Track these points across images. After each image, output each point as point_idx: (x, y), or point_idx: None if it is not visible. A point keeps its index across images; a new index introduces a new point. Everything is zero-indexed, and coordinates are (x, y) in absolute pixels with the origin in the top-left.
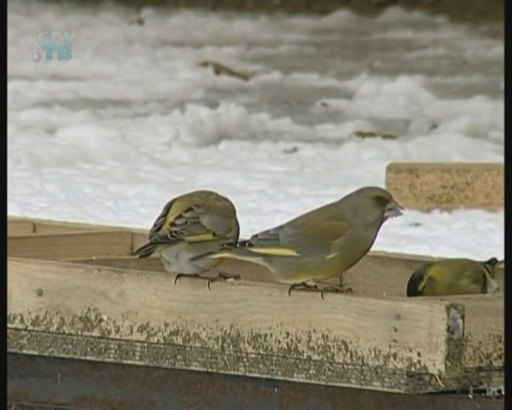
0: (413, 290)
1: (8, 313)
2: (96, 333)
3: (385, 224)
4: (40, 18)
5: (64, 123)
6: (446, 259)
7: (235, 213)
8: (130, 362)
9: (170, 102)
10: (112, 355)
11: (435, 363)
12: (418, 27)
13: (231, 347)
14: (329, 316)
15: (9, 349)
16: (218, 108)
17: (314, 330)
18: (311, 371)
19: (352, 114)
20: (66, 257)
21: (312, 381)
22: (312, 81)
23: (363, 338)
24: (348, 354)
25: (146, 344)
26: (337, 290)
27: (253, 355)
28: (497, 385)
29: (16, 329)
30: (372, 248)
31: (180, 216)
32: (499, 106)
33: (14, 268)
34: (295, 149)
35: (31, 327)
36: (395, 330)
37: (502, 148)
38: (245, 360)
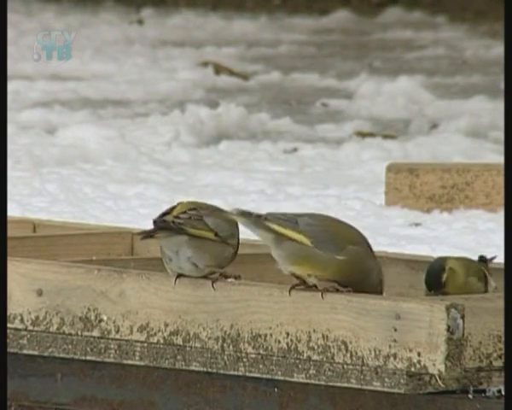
0: (437, 282)
1: (8, 313)
2: (95, 333)
3: (385, 224)
4: (40, 18)
5: (64, 123)
6: (454, 256)
7: (236, 226)
8: (130, 362)
9: (170, 102)
10: (112, 355)
11: (435, 363)
12: (418, 27)
13: (231, 347)
14: (329, 316)
15: (9, 349)
16: (218, 108)
17: (314, 331)
18: (311, 372)
19: (352, 114)
20: (66, 257)
21: (312, 381)
22: (312, 81)
23: (363, 338)
24: (348, 354)
25: (146, 344)
26: (337, 290)
27: (253, 355)
28: (497, 385)
29: (16, 329)
30: (372, 248)
31: (184, 212)
32: (499, 106)
33: (14, 268)
34: (295, 149)
35: (31, 327)
36: (395, 330)
37: (502, 148)
38: (245, 360)
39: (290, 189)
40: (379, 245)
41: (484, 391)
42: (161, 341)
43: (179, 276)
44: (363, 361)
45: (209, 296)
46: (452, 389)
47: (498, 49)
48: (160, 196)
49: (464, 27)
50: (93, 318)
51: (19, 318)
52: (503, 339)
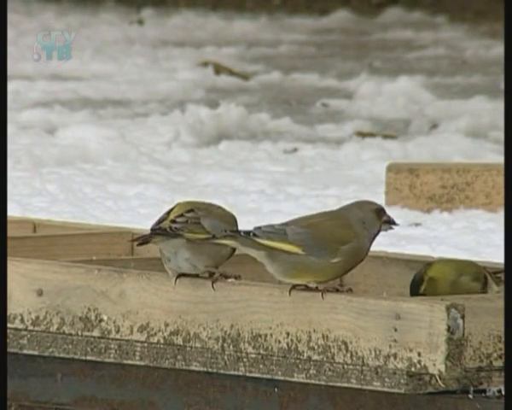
0: (415, 293)
1: (8, 313)
2: (96, 333)
3: None
4: (40, 18)
5: (64, 123)
6: (447, 258)
7: (235, 225)
8: (130, 362)
9: (170, 102)
10: (112, 355)
11: (435, 363)
12: (418, 27)
13: (231, 347)
14: (329, 316)
15: (9, 349)
16: (218, 108)
17: (314, 331)
18: (311, 372)
19: (352, 114)
20: (66, 257)
21: (312, 381)
22: (312, 81)
23: (363, 338)
24: (348, 354)
25: (146, 344)
26: (337, 290)
27: (253, 355)
28: (497, 385)
29: (16, 329)
30: (372, 248)
31: (181, 215)
32: (499, 106)
33: (14, 268)
34: (295, 149)
35: (31, 327)
36: (395, 330)
37: (502, 148)
38: (245, 360)
39: (290, 189)
40: (379, 245)
41: (484, 391)
42: (161, 341)
43: (179, 276)
44: (363, 361)
45: (209, 296)
46: (452, 389)
47: (498, 49)
48: (160, 196)
49: (464, 27)
50: (93, 318)
51: (19, 318)
52: (503, 339)
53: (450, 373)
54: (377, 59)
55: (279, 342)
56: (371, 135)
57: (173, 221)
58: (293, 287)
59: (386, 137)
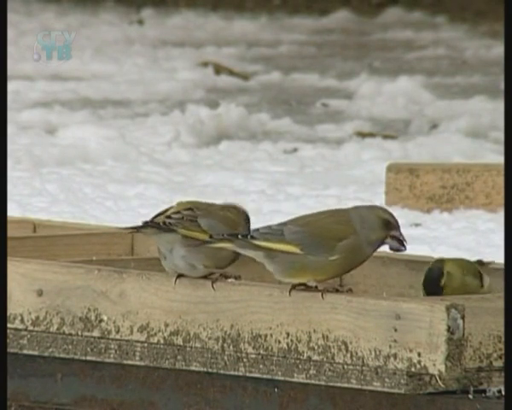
0: (435, 286)
1: (8, 313)
2: (96, 333)
3: None
4: (40, 18)
5: (64, 123)
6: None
7: (240, 226)
8: (130, 362)
9: (170, 102)
10: (112, 355)
11: (435, 363)
12: (418, 27)
13: (231, 347)
14: (329, 316)
15: (9, 349)
16: (218, 108)
17: (314, 331)
18: (311, 372)
19: (352, 114)
20: (66, 257)
21: (312, 381)
22: (312, 81)
23: (363, 338)
24: (348, 355)
25: (146, 344)
26: (337, 290)
27: (253, 355)
28: (497, 385)
29: (16, 329)
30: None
31: (178, 212)
32: (499, 106)
33: (14, 268)
34: (295, 149)
35: (31, 327)
36: (395, 330)
37: (502, 148)
38: (245, 360)
39: (290, 189)
40: None
41: (484, 391)
42: (161, 341)
43: (179, 276)
44: (363, 361)
45: (209, 296)
46: (452, 389)
47: (498, 49)
48: (160, 196)
49: (464, 27)
50: (93, 318)
51: (19, 318)
52: (503, 339)
53: (450, 373)
54: (377, 59)
55: (279, 342)
56: (371, 135)
57: (169, 217)
58: (293, 287)
59: (386, 137)
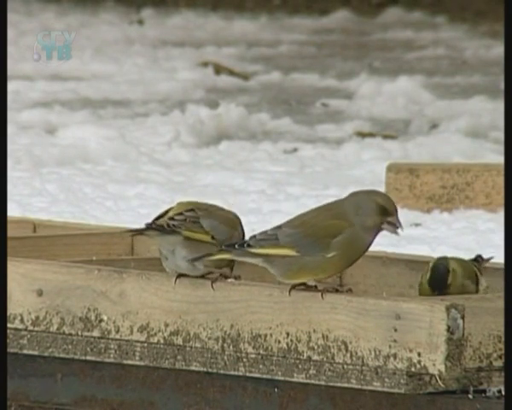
0: (443, 283)
1: (8, 313)
2: (96, 333)
3: None
4: (40, 18)
5: (64, 123)
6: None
7: (239, 226)
8: (130, 362)
9: (170, 102)
10: (112, 355)
11: (435, 363)
12: (418, 27)
13: (231, 347)
14: (329, 316)
15: (9, 349)
16: (218, 108)
17: (314, 331)
18: (311, 372)
19: (352, 114)
20: (66, 257)
21: (312, 381)
22: (312, 81)
23: (363, 338)
24: (348, 355)
25: (146, 344)
26: (337, 290)
27: (253, 355)
28: (497, 385)
29: (16, 329)
30: (372, 248)
31: (181, 213)
32: (499, 106)
33: (14, 268)
34: (295, 149)
35: (31, 327)
36: (395, 330)
37: (502, 148)
38: (245, 360)
39: (290, 189)
40: (379, 245)
41: (484, 391)
42: (161, 341)
43: (179, 276)
44: (363, 361)
45: (209, 296)
46: (452, 389)
47: (498, 49)
48: (160, 196)
49: (464, 27)
50: (93, 318)
51: (19, 318)
52: (503, 339)
53: (450, 373)
54: (377, 59)
55: (279, 342)
56: (371, 135)
57: (171, 218)
58: (293, 287)
59: (386, 137)
